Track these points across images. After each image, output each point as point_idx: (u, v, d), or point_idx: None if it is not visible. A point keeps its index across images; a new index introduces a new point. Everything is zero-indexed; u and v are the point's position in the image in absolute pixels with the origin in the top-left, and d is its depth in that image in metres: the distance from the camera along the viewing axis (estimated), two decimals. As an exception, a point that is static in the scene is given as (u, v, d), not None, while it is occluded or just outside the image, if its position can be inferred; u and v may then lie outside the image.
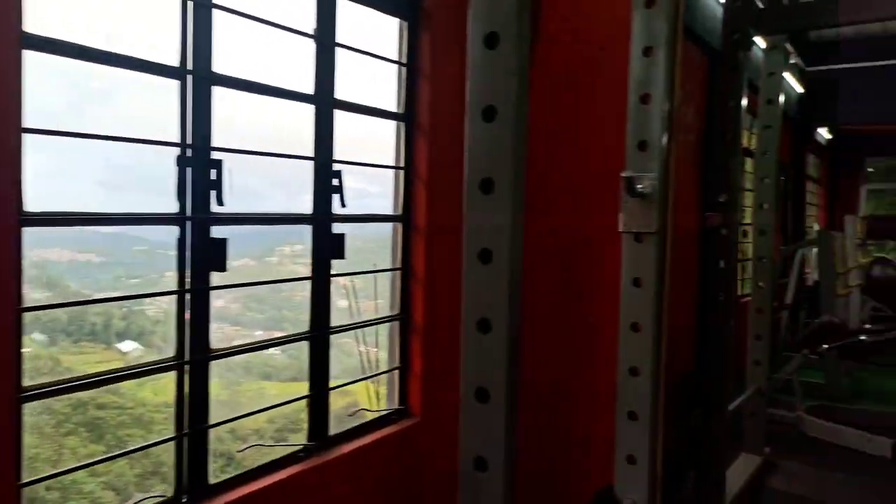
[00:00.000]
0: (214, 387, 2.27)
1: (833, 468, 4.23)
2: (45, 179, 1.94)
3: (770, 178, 4.13)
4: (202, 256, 2.19)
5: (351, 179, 2.84)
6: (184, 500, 2.19)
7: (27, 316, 1.79)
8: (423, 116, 3.00)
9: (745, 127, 4.37)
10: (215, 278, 2.25)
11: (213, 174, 2.19)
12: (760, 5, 3.90)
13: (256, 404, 2.58)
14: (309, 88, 2.58)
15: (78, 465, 2.41)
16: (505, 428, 1.36)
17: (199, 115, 2.16)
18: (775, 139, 4.15)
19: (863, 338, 5.84)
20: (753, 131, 6.26)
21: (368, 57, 2.85)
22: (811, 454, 4.46)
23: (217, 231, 2.23)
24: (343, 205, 2.67)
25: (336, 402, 3.46)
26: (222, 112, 2.23)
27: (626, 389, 2.30)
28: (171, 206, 2.12)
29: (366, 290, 3.62)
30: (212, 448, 2.29)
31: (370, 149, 3.08)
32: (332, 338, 2.92)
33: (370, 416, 2.95)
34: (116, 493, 4.19)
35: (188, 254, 2.15)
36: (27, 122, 1.73)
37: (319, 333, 2.69)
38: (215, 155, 2.21)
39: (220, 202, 2.20)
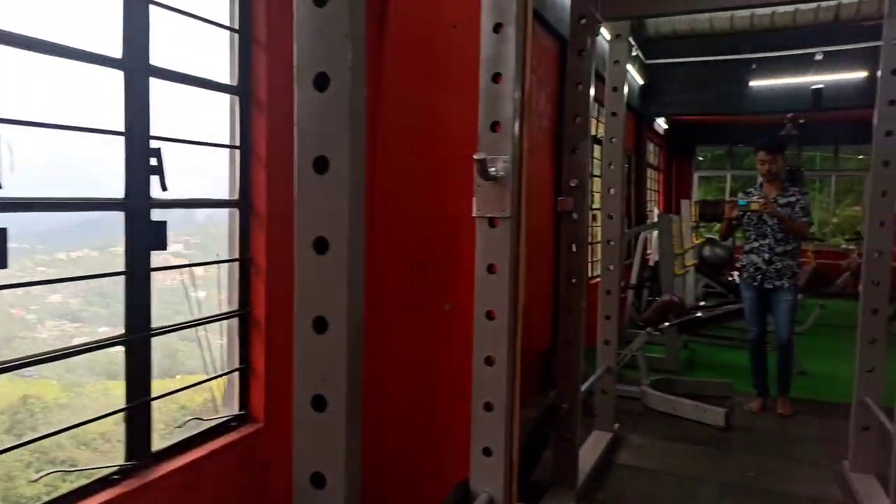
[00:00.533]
0: (52, 390, 1.92)
1: (674, 439, 4.51)
2: None
3: (616, 163, 4.28)
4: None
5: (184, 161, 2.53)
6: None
7: None
8: (259, 90, 2.72)
9: (592, 115, 4.50)
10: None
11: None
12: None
13: (103, 407, 2.24)
14: (116, 52, 2.19)
15: None
16: (346, 439, 1.20)
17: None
18: (621, 126, 4.31)
19: (699, 314, 6.37)
20: (601, 119, 6.55)
21: (192, 20, 2.48)
22: (655, 427, 4.74)
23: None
24: (164, 188, 2.33)
25: (194, 398, 3.11)
26: None
27: (482, 380, 2.23)
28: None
29: (211, 281, 3.31)
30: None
31: (203, 126, 2.74)
32: (189, 331, 2.66)
33: (206, 425, 2.63)
34: None
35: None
36: None
37: (136, 336, 2.30)
38: None
39: None
